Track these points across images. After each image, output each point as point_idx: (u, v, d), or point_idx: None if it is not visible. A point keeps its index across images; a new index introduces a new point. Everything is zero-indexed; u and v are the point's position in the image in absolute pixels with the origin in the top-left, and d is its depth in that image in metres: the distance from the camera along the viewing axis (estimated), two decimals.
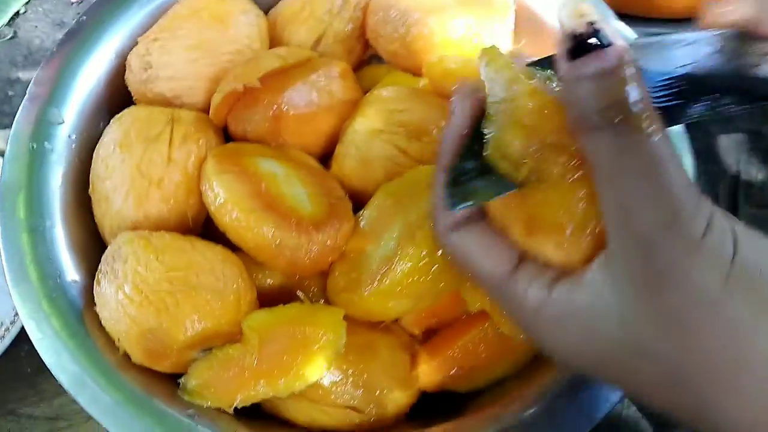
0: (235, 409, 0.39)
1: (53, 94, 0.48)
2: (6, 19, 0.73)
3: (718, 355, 0.24)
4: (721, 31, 0.31)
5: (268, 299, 0.43)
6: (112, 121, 0.47)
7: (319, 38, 0.52)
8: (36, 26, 0.74)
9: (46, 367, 0.40)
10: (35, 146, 0.46)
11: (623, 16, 0.64)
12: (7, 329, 0.54)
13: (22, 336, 0.54)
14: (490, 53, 0.30)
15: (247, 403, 0.39)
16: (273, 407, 0.42)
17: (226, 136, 0.49)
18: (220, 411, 0.40)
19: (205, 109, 0.48)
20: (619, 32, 0.24)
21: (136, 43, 0.50)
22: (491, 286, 0.31)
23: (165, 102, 0.49)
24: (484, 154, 0.29)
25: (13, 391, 0.54)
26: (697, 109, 0.30)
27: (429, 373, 0.42)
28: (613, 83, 0.24)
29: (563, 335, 0.28)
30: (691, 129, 0.47)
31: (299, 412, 0.41)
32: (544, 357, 0.43)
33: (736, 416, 0.24)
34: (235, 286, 0.41)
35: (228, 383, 0.39)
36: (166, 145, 0.45)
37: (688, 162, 0.47)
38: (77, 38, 0.50)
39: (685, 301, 0.24)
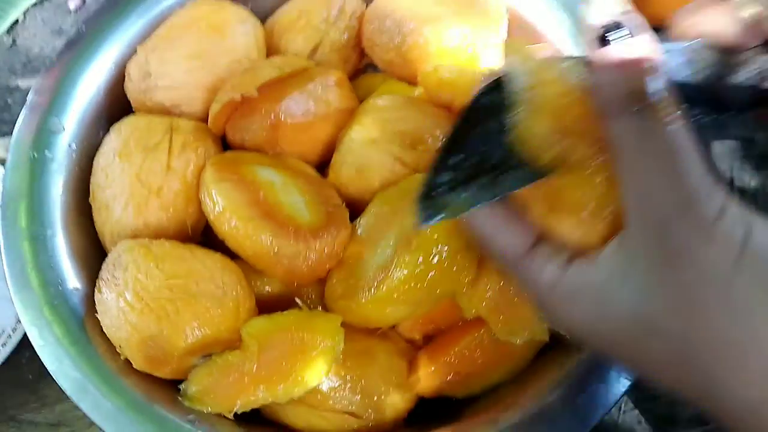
0: (235, 414, 0.40)
1: (53, 103, 0.49)
2: (5, 28, 0.74)
3: (726, 333, 0.24)
4: (690, 42, 0.32)
5: (266, 306, 0.43)
6: (111, 129, 0.48)
7: (316, 47, 0.52)
8: (35, 34, 0.75)
9: (47, 373, 0.40)
10: (36, 155, 0.47)
11: None
12: (9, 336, 0.54)
13: (24, 343, 0.55)
14: (516, 45, 0.31)
15: (247, 409, 0.40)
16: (272, 413, 0.43)
17: (224, 144, 0.49)
18: (220, 416, 0.40)
19: (204, 118, 0.49)
20: (644, 27, 0.26)
21: (135, 53, 0.50)
22: (509, 262, 0.31)
23: (164, 111, 0.49)
24: (506, 140, 0.30)
25: (15, 397, 0.55)
26: None
27: (426, 378, 0.42)
28: (636, 72, 0.25)
29: (577, 312, 0.29)
30: None
31: (298, 418, 0.42)
32: (539, 362, 0.44)
33: (743, 394, 0.24)
34: (234, 293, 0.41)
35: (228, 389, 0.39)
36: (165, 154, 0.45)
37: None
38: (77, 48, 0.51)
39: (697, 279, 0.25)
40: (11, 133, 0.49)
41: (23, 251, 0.44)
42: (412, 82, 0.51)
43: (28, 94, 0.49)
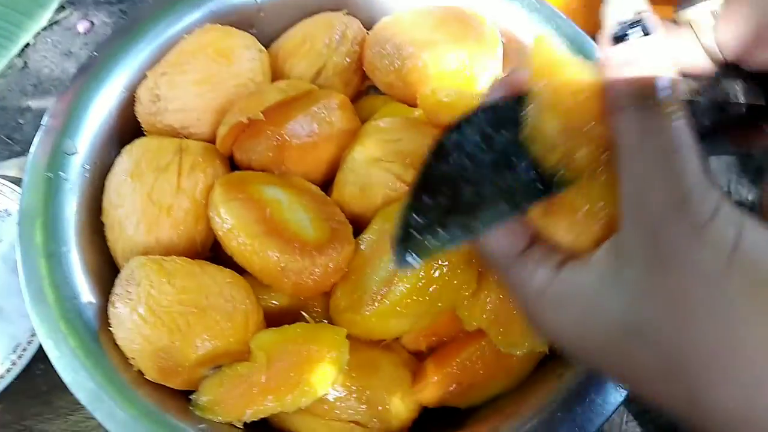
0: (245, 423, 0.41)
1: (67, 126, 0.51)
2: (17, 51, 0.76)
3: (713, 338, 0.24)
4: None
5: (274, 319, 0.45)
6: (123, 151, 0.50)
7: (319, 71, 0.55)
8: (45, 56, 0.77)
9: (61, 385, 0.41)
10: (51, 176, 0.49)
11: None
12: (24, 349, 0.56)
13: (38, 355, 0.56)
14: (538, 41, 0.30)
15: (256, 418, 0.41)
16: (280, 422, 0.44)
17: (231, 165, 0.51)
18: (230, 425, 0.42)
19: (212, 139, 0.51)
20: (659, 26, 0.26)
21: (145, 77, 0.52)
22: (500, 265, 0.31)
23: (173, 132, 0.51)
24: (521, 137, 0.29)
25: (30, 408, 0.56)
26: None
27: (429, 389, 0.44)
28: (645, 69, 0.26)
29: (565, 317, 0.28)
30: None
31: (305, 427, 0.44)
32: (539, 373, 0.45)
33: (728, 406, 0.24)
34: (243, 307, 0.43)
35: (237, 399, 0.41)
36: (175, 175, 0.47)
37: None
38: (89, 73, 0.53)
39: (686, 281, 0.24)
40: (24, 153, 0.50)
41: (39, 267, 0.46)
42: (411, 103, 0.53)
43: (39, 114, 0.51)
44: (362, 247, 0.46)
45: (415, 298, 0.41)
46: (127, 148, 0.49)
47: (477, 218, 0.29)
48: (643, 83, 0.26)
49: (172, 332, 0.41)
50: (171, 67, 0.51)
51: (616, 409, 0.41)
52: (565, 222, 0.29)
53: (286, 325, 0.43)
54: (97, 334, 0.44)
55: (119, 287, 0.43)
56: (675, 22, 0.33)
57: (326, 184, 0.51)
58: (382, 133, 0.49)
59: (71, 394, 0.41)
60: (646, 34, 0.26)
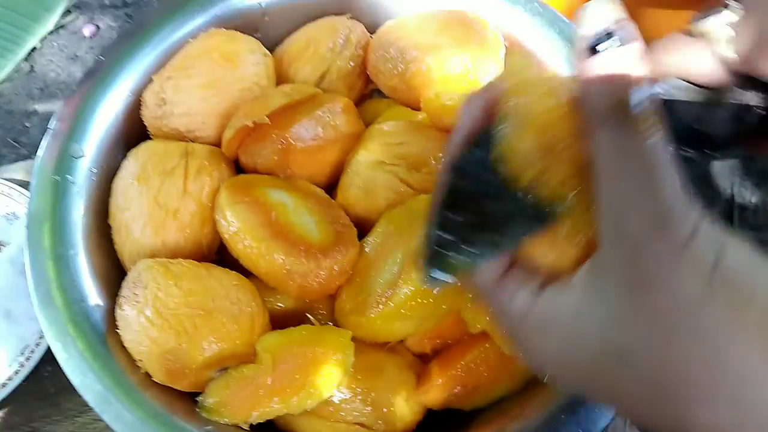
0: (251, 425, 0.42)
1: (74, 130, 0.51)
2: (23, 55, 0.76)
3: (698, 360, 0.23)
4: (668, 82, 0.33)
5: (279, 322, 0.46)
6: (129, 154, 0.50)
7: (323, 75, 0.55)
8: (51, 60, 0.77)
9: (68, 387, 0.42)
10: (58, 179, 0.49)
11: None
12: (32, 351, 0.56)
13: (46, 357, 0.57)
14: (515, 55, 0.31)
15: (262, 420, 0.41)
16: (286, 423, 0.45)
17: (237, 168, 0.52)
18: (236, 427, 0.42)
19: (217, 143, 0.51)
20: (635, 36, 0.25)
21: (151, 81, 0.53)
22: (480, 290, 0.30)
23: (179, 136, 0.52)
24: (492, 156, 0.29)
25: (38, 410, 0.57)
26: None
27: (434, 391, 0.44)
28: (620, 84, 0.25)
29: (548, 342, 0.28)
30: None
31: (311, 428, 0.44)
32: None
33: (717, 425, 0.23)
34: (249, 309, 0.43)
35: (244, 401, 0.41)
36: (181, 178, 0.48)
37: None
38: (96, 77, 0.53)
39: (667, 304, 0.23)
40: (30, 156, 0.51)
41: (47, 270, 0.46)
42: (415, 107, 0.54)
43: (45, 118, 0.51)
44: (367, 249, 0.46)
45: (419, 300, 0.41)
46: (134, 151, 0.50)
47: (504, 234, 0.29)
48: (619, 98, 0.25)
49: (179, 334, 0.41)
50: (176, 71, 0.52)
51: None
52: (545, 243, 0.29)
53: (292, 328, 0.44)
54: (104, 337, 0.45)
55: (126, 290, 0.44)
56: (690, 34, 0.33)
57: (331, 187, 0.52)
58: (386, 136, 0.49)
59: (79, 396, 0.42)
60: (619, 45, 0.25)
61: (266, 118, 0.47)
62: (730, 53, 0.31)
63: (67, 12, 0.80)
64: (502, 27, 0.55)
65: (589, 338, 0.26)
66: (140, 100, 0.53)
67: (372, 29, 0.57)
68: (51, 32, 0.79)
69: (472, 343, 0.45)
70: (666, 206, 0.24)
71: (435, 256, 0.29)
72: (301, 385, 0.41)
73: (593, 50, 0.25)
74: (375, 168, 0.48)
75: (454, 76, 0.51)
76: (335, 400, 0.43)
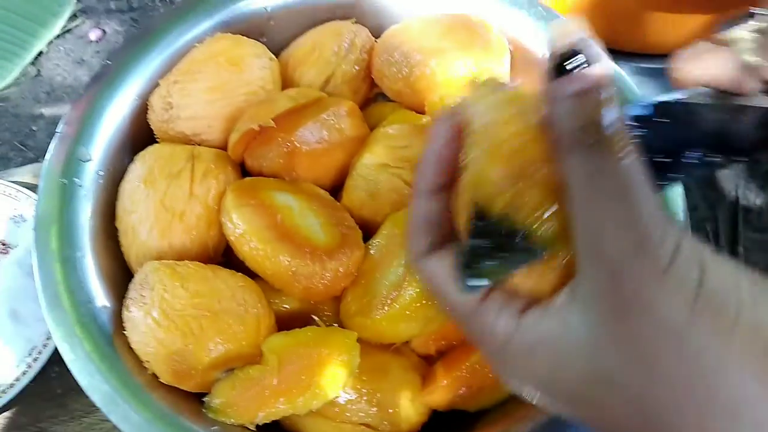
0: (257, 425, 0.42)
1: (81, 134, 0.51)
2: (30, 59, 0.77)
3: (681, 389, 0.23)
4: (692, 90, 0.32)
5: (285, 323, 0.46)
6: (136, 158, 0.50)
7: (328, 79, 0.55)
8: (58, 64, 0.78)
9: (75, 387, 0.42)
10: (66, 182, 0.49)
11: (615, 52, 0.68)
12: (40, 352, 0.57)
13: (53, 358, 0.57)
14: (475, 82, 0.30)
15: (268, 420, 0.42)
16: (292, 424, 0.45)
17: (243, 171, 0.52)
18: (242, 428, 0.43)
19: (223, 146, 0.52)
20: (603, 54, 0.25)
21: (158, 85, 0.53)
22: (459, 315, 0.30)
23: (185, 139, 0.52)
24: (459, 186, 0.29)
25: (45, 410, 0.57)
26: (687, 166, 0.31)
27: (439, 392, 0.44)
28: (590, 104, 0.24)
29: (532, 367, 0.27)
30: None
31: (316, 429, 0.44)
32: None
33: None
34: (254, 311, 0.44)
35: (250, 401, 0.42)
36: (187, 181, 0.48)
37: (677, 190, 0.49)
38: (103, 81, 0.54)
39: (650, 330, 0.23)
40: (37, 159, 0.51)
41: (55, 272, 0.46)
42: (419, 110, 0.54)
43: (51, 121, 0.52)
44: (372, 251, 0.46)
45: (424, 302, 0.41)
46: (141, 155, 0.50)
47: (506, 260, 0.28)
48: (589, 119, 0.24)
49: (185, 336, 0.42)
50: (183, 75, 0.52)
51: None
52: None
53: (298, 329, 0.44)
54: (111, 338, 0.45)
55: (133, 291, 0.44)
56: (716, 42, 0.33)
57: (336, 189, 0.52)
58: (390, 139, 0.49)
59: (86, 397, 0.42)
60: (586, 65, 0.24)
61: (272, 122, 0.47)
62: (756, 61, 0.31)
63: (74, 16, 0.81)
64: (505, 31, 0.55)
65: (573, 363, 0.25)
66: (147, 104, 0.54)
67: (377, 34, 0.58)
68: (57, 36, 0.79)
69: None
70: (644, 229, 0.23)
71: (472, 263, 0.28)
72: (307, 386, 0.41)
73: (560, 70, 0.25)
74: (380, 171, 0.48)
75: (458, 79, 0.51)
76: (341, 400, 0.43)
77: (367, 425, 0.44)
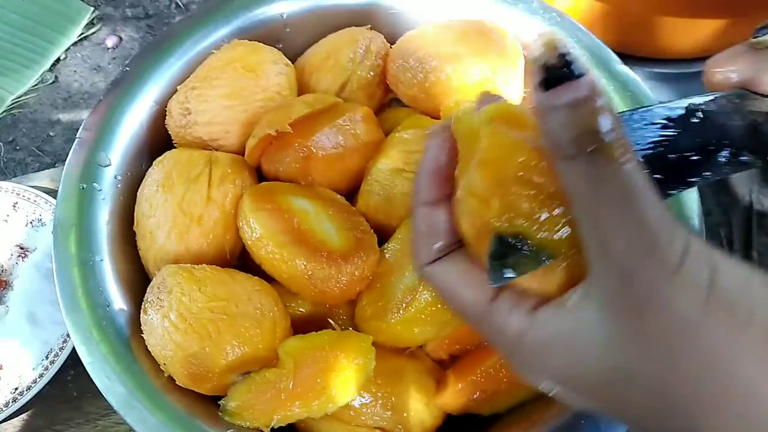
0: (272, 429, 0.42)
1: (100, 139, 0.52)
2: (48, 66, 0.78)
3: (699, 380, 0.24)
4: (726, 92, 0.32)
5: (300, 327, 0.46)
6: (154, 163, 0.51)
7: (344, 84, 0.56)
8: (75, 71, 0.79)
9: (91, 390, 0.43)
10: (85, 187, 0.50)
11: (628, 57, 0.68)
12: (56, 355, 0.57)
13: (69, 361, 0.58)
14: (455, 107, 0.31)
15: (284, 424, 0.42)
16: (307, 427, 0.45)
17: (259, 176, 0.53)
18: (258, 431, 0.43)
19: (240, 151, 0.52)
20: (588, 65, 0.25)
21: (176, 92, 0.54)
22: (472, 316, 0.30)
23: (202, 145, 0.53)
24: (455, 200, 0.30)
25: (61, 413, 0.58)
26: (718, 165, 0.31)
27: (453, 396, 0.44)
28: (585, 113, 0.24)
29: (548, 361, 0.28)
30: None
31: None
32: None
33: None
34: (271, 314, 0.44)
35: (265, 405, 0.42)
36: (205, 185, 0.48)
37: (693, 195, 0.49)
38: (121, 87, 0.54)
39: (666, 327, 0.24)
40: (54, 165, 0.52)
41: (73, 276, 0.47)
42: (434, 115, 0.54)
43: (68, 127, 0.52)
44: (387, 255, 0.46)
45: (439, 306, 0.41)
46: (159, 159, 0.51)
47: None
48: (585, 127, 0.24)
49: (202, 339, 0.42)
50: (201, 81, 0.53)
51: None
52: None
53: (313, 332, 0.44)
54: (128, 341, 0.45)
55: (151, 295, 0.44)
56: (752, 46, 0.33)
57: (351, 194, 0.52)
58: (406, 144, 0.50)
59: (101, 400, 0.42)
60: (576, 75, 0.24)
61: (288, 127, 0.48)
62: None
63: (91, 24, 0.82)
64: (520, 36, 0.55)
65: (590, 357, 0.26)
66: (164, 110, 0.54)
67: (392, 40, 0.58)
68: (75, 43, 0.81)
69: (492, 348, 0.45)
70: (652, 232, 0.24)
71: (502, 255, 0.29)
72: (322, 390, 0.41)
73: (549, 82, 0.25)
74: (395, 175, 0.48)
75: (473, 84, 0.52)
76: (356, 404, 0.43)
77: (382, 429, 0.44)
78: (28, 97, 0.77)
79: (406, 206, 0.48)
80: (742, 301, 0.24)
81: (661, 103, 0.33)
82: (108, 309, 0.46)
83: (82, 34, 0.81)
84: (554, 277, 0.28)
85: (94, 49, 0.81)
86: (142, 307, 0.45)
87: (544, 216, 0.27)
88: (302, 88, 0.57)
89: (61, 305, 0.46)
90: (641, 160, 0.29)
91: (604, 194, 0.24)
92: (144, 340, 0.44)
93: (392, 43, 0.58)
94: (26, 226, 0.66)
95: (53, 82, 0.78)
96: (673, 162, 0.31)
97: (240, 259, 0.50)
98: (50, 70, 0.79)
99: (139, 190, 0.51)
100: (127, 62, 0.55)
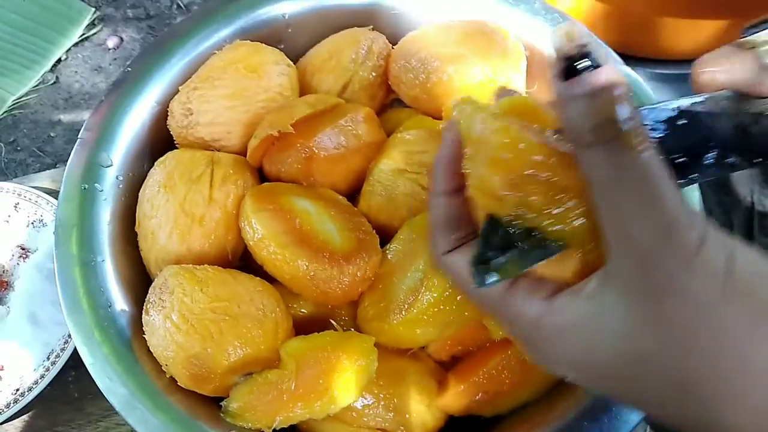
0: (274, 430, 0.42)
1: (102, 139, 0.52)
2: (49, 66, 0.78)
3: (718, 363, 0.24)
4: (714, 93, 0.33)
5: (302, 328, 0.46)
6: (156, 163, 0.51)
7: (345, 85, 0.56)
8: (76, 71, 0.79)
9: (92, 391, 0.43)
10: (86, 187, 0.50)
11: (630, 58, 0.68)
12: (58, 356, 0.57)
13: (70, 362, 0.57)
14: (462, 102, 0.32)
15: (286, 425, 0.42)
16: (309, 428, 0.45)
17: (261, 176, 0.52)
18: None
19: (242, 152, 0.52)
20: (610, 54, 0.25)
21: (177, 92, 0.54)
22: (489, 304, 0.31)
23: (204, 145, 0.53)
24: (467, 194, 0.30)
25: (62, 414, 0.58)
26: (705, 167, 0.32)
27: (455, 397, 0.44)
28: (604, 102, 0.25)
29: (565, 347, 0.28)
30: None
31: None
32: (565, 382, 0.45)
33: (740, 424, 0.24)
34: (273, 315, 0.44)
35: (267, 406, 0.42)
36: (207, 186, 0.48)
37: (694, 195, 0.49)
38: (123, 87, 0.54)
39: (684, 310, 0.24)
40: (54, 165, 0.52)
41: (75, 276, 0.47)
42: (436, 116, 0.54)
43: (69, 127, 0.52)
44: (389, 256, 0.46)
45: (441, 307, 0.41)
46: (161, 160, 0.51)
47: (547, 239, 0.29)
48: (604, 117, 0.25)
49: (204, 339, 0.42)
50: (202, 82, 0.53)
51: (642, 419, 0.42)
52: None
53: (316, 333, 0.44)
54: (130, 342, 0.45)
55: (153, 295, 0.44)
56: (739, 46, 0.33)
57: (353, 194, 0.52)
58: (407, 144, 0.50)
59: (102, 401, 0.42)
60: (596, 65, 0.25)
61: (291, 128, 0.48)
62: None
63: (92, 24, 0.82)
64: (522, 37, 0.55)
65: (606, 344, 0.26)
66: (166, 110, 0.54)
67: (393, 40, 0.58)
68: (76, 44, 0.80)
69: (494, 349, 0.45)
70: (670, 218, 0.24)
71: (488, 259, 0.30)
72: (325, 391, 0.41)
73: (569, 72, 0.25)
74: (397, 176, 0.48)
75: (475, 85, 0.52)
76: (358, 405, 0.43)
77: (384, 430, 0.44)
78: (29, 97, 0.76)
79: (408, 207, 0.48)
80: (759, 286, 0.24)
81: (648, 105, 0.33)
82: (110, 310, 0.46)
83: (83, 34, 0.81)
84: (571, 265, 0.29)
85: (95, 50, 0.81)
86: (144, 307, 0.45)
87: (556, 209, 0.28)
88: (304, 88, 0.57)
89: (63, 306, 0.45)
90: None
91: (622, 181, 0.25)
92: (146, 340, 0.44)
93: (394, 43, 0.58)
94: (27, 226, 0.66)
95: (54, 82, 0.78)
96: None
97: (242, 260, 0.50)
98: (51, 70, 0.79)
99: (140, 191, 0.51)
100: (129, 62, 0.55)
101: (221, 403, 0.43)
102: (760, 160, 0.32)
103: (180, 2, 0.84)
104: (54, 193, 0.67)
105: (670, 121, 0.32)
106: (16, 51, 0.79)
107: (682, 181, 0.32)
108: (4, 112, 0.77)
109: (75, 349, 0.52)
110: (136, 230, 0.50)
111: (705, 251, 0.24)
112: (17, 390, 0.57)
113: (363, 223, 0.48)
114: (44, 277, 0.63)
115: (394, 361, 0.45)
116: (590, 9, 0.70)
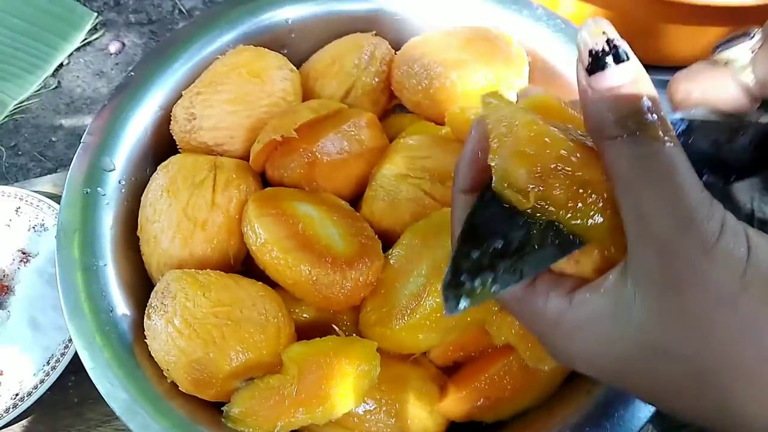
0: None
1: (104, 144, 0.52)
2: (51, 71, 0.78)
3: (738, 352, 0.24)
4: (691, 110, 0.33)
5: (304, 332, 0.46)
6: (159, 168, 0.51)
7: (348, 90, 0.56)
8: (78, 76, 0.79)
9: (92, 396, 0.43)
10: (89, 191, 0.50)
11: None
12: (58, 360, 0.57)
13: (70, 367, 0.57)
14: (489, 96, 0.32)
15: (287, 430, 0.42)
16: None
17: (264, 181, 0.52)
18: None
19: (245, 156, 0.52)
20: (632, 52, 0.26)
21: (180, 96, 0.54)
22: (510, 301, 0.31)
23: (207, 150, 0.53)
24: (492, 185, 0.30)
25: (62, 419, 0.57)
26: None
27: (457, 403, 0.44)
28: (630, 95, 0.25)
29: (584, 342, 0.28)
30: None
31: None
32: (567, 388, 0.45)
33: (758, 415, 0.24)
34: (275, 320, 0.44)
35: (269, 411, 0.42)
36: (209, 191, 0.48)
37: None
38: (126, 92, 0.54)
39: (704, 299, 0.24)
40: (56, 170, 0.52)
41: (77, 281, 0.47)
42: (439, 122, 0.54)
43: (71, 132, 0.53)
44: (391, 261, 0.46)
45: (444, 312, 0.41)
46: (164, 164, 0.51)
47: (525, 262, 0.29)
48: (629, 110, 0.25)
49: (206, 344, 0.42)
50: (206, 86, 0.53)
51: (644, 425, 0.42)
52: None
53: (318, 338, 0.44)
54: (131, 346, 0.45)
55: (155, 300, 0.44)
56: (713, 62, 0.33)
57: (356, 200, 0.52)
58: (410, 150, 0.50)
59: (102, 406, 0.42)
60: (620, 60, 0.25)
61: (294, 133, 0.48)
62: (752, 80, 0.32)
63: (94, 29, 0.82)
64: (525, 43, 0.55)
65: (625, 337, 0.27)
66: (169, 115, 0.54)
67: (396, 46, 0.58)
68: (78, 49, 0.81)
69: (496, 355, 0.45)
70: (690, 208, 0.24)
71: (458, 284, 0.29)
72: (326, 396, 0.41)
73: (594, 69, 0.26)
74: (400, 181, 0.48)
75: (478, 91, 0.52)
76: (360, 411, 0.43)
77: None
78: (30, 102, 0.77)
79: (410, 212, 0.48)
80: None
81: None
82: (111, 314, 0.46)
83: (85, 39, 0.81)
84: (590, 261, 0.29)
85: (96, 55, 0.81)
86: (146, 312, 0.45)
87: (579, 203, 0.28)
88: (307, 93, 0.57)
89: (64, 310, 0.45)
90: None
91: (646, 173, 0.25)
92: (147, 345, 0.44)
93: (397, 49, 0.58)
94: (29, 230, 0.66)
95: (56, 87, 0.78)
96: None
97: (244, 265, 0.50)
98: (53, 75, 0.79)
99: (143, 195, 0.51)
100: (132, 67, 0.55)
101: (222, 408, 0.43)
102: (734, 177, 0.32)
103: (182, 7, 0.85)
104: (55, 198, 0.67)
105: None
106: (17, 55, 0.79)
107: None
108: (6, 117, 0.77)
109: (75, 353, 0.53)
110: (138, 234, 0.50)
111: (724, 240, 0.24)
112: (17, 395, 0.57)
113: (365, 228, 0.48)
114: (45, 282, 0.63)
115: (395, 367, 0.45)
116: (592, 15, 0.70)
